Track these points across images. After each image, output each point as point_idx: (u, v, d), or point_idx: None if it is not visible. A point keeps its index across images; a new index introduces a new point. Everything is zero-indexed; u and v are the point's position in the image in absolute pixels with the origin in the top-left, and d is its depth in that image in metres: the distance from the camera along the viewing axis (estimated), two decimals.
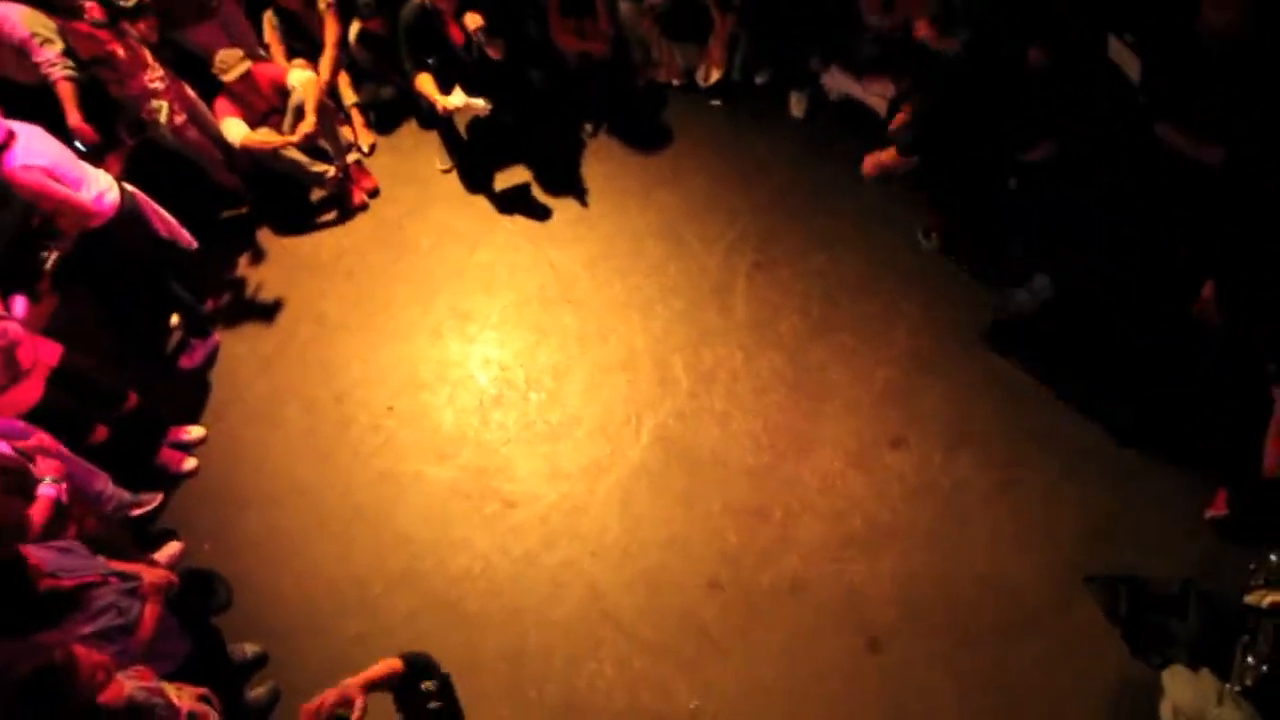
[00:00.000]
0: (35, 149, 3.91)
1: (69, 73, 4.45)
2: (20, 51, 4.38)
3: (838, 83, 5.46)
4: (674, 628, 4.01)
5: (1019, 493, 4.12)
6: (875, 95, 5.35)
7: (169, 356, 5.01)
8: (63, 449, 3.92)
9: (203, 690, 3.24)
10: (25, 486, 3.46)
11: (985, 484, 4.17)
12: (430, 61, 5.07)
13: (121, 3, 4.43)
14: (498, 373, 4.83)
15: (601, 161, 5.63)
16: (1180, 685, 3.16)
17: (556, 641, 4.03)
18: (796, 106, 5.63)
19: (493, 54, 4.96)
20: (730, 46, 5.66)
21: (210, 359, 5.03)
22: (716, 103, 5.76)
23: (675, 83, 5.83)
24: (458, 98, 4.97)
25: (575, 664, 3.96)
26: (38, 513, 3.37)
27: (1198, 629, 3.33)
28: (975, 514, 4.09)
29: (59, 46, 4.42)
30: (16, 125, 3.92)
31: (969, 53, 4.04)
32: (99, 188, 4.17)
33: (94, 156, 4.50)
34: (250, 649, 4.05)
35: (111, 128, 4.78)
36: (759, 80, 5.78)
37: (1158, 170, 4.30)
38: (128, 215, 4.28)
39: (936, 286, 4.78)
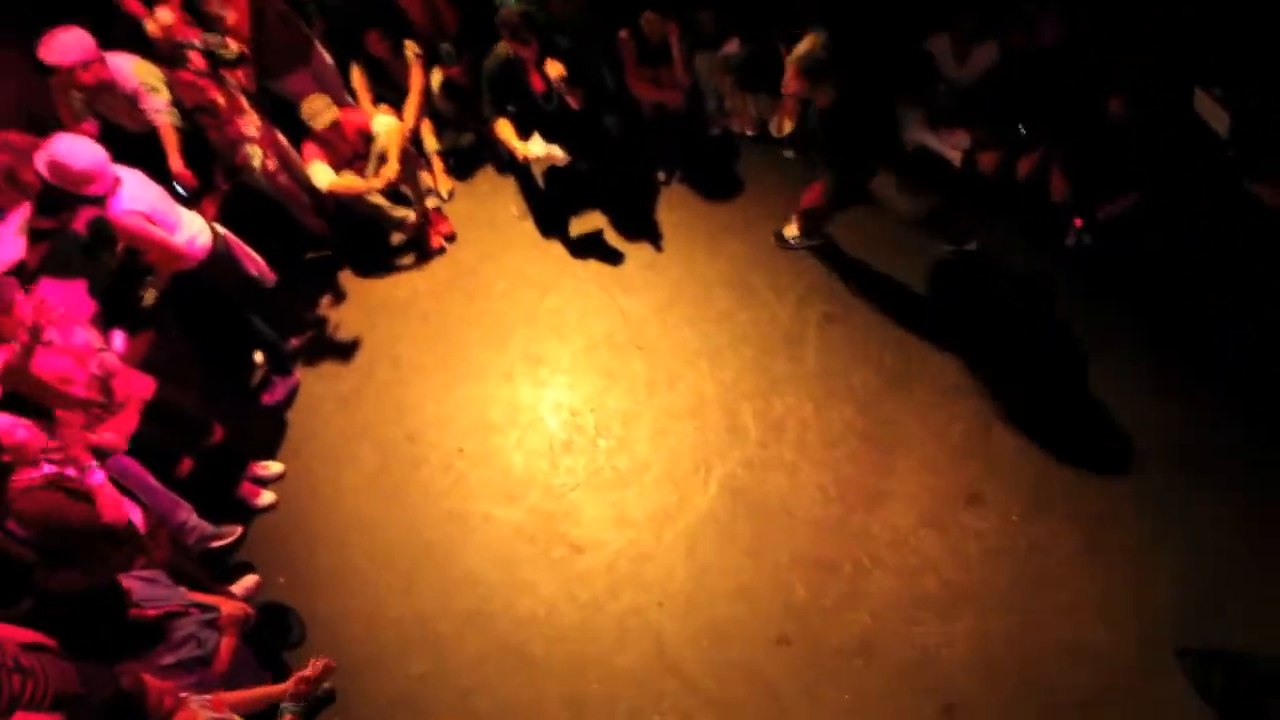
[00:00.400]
0: (138, 195, 4.08)
1: (173, 120, 4.68)
2: (131, 100, 4.62)
3: (913, 134, 5.46)
4: (739, 682, 3.95)
5: (1104, 556, 4.00)
6: (951, 146, 5.34)
7: (252, 392, 5.16)
8: (150, 479, 4.07)
9: None
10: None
11: (1068, 545, 4.05)
12: (510, 109, 5.20)
13: (222, 53, 4.63)
14: (567, 417, 4.86)
15: (673, 209, 5.68)
16: None
17: (620, 691, 4.00)
18: None
19: (572, 103, 5.07)
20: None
21: (291, 396, 5.16)
22: (789, 153, 5.78)
23: (748, 132, 5.88)
24: (537, 146, 5.08)
25: (638, 716, 3.93)
26: (106, 508, 3.50)
27: None
28: (1057, 577, 3.97)
29: (165, 96, 4.64)
30: (122, 170, 4.11)
31: (842, 99, 4.35)
32: (191, 232, 4.33)
33: (191, 199, 4.69)
34: (320, 686, 4.09)
35: (209, 171, 4.99)
36: None
37: (1247, 225, 4.19)
38: (217, 258, 4.44)
39: (1013, 339, 4.72)
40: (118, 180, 4.00)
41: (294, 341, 5.35)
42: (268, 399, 5.12)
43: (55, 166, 3.86)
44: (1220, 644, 3.66)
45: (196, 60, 4.60)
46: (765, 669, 3.95)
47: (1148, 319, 4.68)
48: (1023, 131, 5.00)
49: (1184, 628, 3.77)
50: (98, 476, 3.64)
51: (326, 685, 4.08)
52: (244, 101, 4.85)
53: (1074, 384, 4.53)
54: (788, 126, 5.78)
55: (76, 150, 3.88)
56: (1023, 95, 4.94)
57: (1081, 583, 3.94)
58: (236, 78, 4.87)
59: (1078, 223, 4.89)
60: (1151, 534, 4.02)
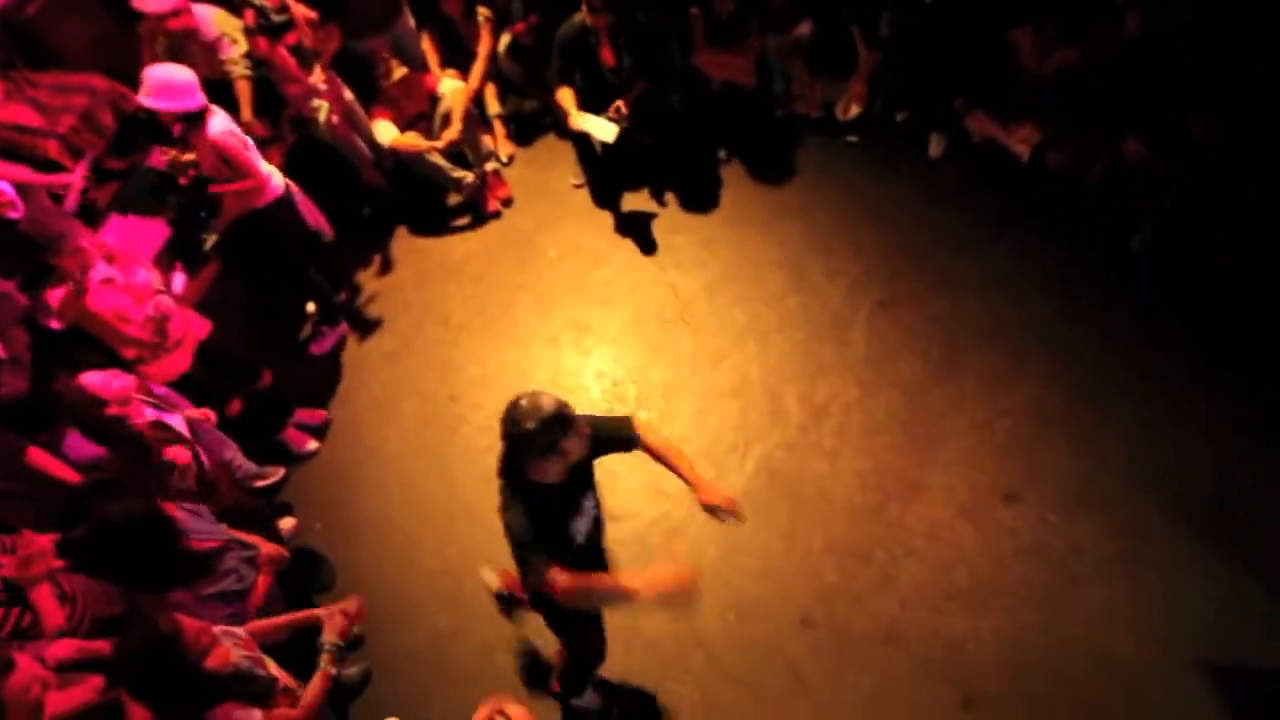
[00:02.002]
0: (229, 125, 4.27)
1: (246, 72, 4.80)
2: (210, 49, 4.74)
3: (982, 126, 5.34)
4: (762, 661, 3.94)
5: (1140, 567, 3.89)
6: (1019, 141, 5.22)
7: (302, 342, 5.26)
8: (208, 414, 4.19)
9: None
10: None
11: (1104, 552, 3.95)
12: (576, 79, 5.21)
13: (272, 17, 4.71)
14: (609, 386, 4.88)
15: (732, 187, 5.64)
16: None
17: (643, 660, 4.00)
18: (935, 147, 5.53)
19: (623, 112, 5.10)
20: (873, 83, 5.61)
21: (339, 347, 5.26)
22: (853, 138, 5.70)
23: (814, 115, 5.81)
24: (592, 123, 5.05)
25: (659, 685, 3.94)
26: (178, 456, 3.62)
27: None
28: (1091, 582, 3.88)
29: (242, 47, 4.77)
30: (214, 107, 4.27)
31: None
32: (269, 170, 4.47)
33: (258, 149, 4.80)
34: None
35: (277, 120, 5.09)
36: (899, 118, 5.70)
37: None
38: (285, 203, 4.56)
39: (1066, 342, 4.59)
40: (208, 107, 4.16)
41: (344, 295, 5.44)
42: (316, 349, 5.23)
43: (160, 86, 4.04)
44: (1254, 664, 3.56)
45: (248, 16, 4.69)
46: (790, 650, 3.93)
47: (1211, 337, 4.52)
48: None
49: (1216, 646, 3.64)
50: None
51: (354, 630, 4.19)
52: (294, 65, 4.89)
53: (1127, 392, 4.40)
54: (854, 111, 5.73)
55: (173, 70, 4.10)
56: (1101, 95, 4.80)
57: (1115, 591, 3.84)
58: (309, 38, 4.92)
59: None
60: (1190, 550, 3.88)
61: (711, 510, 3.00)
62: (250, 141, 4.37)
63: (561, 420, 2.58)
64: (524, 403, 2.58)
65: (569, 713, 3.89)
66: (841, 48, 5.61)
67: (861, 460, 4.39)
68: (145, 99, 4.10)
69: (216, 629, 2.98)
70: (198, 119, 4.14)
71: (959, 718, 3.66)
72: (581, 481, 2.91)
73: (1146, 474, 4.13)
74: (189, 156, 4.24)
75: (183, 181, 4.30)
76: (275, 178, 4.50)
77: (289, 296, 5.21)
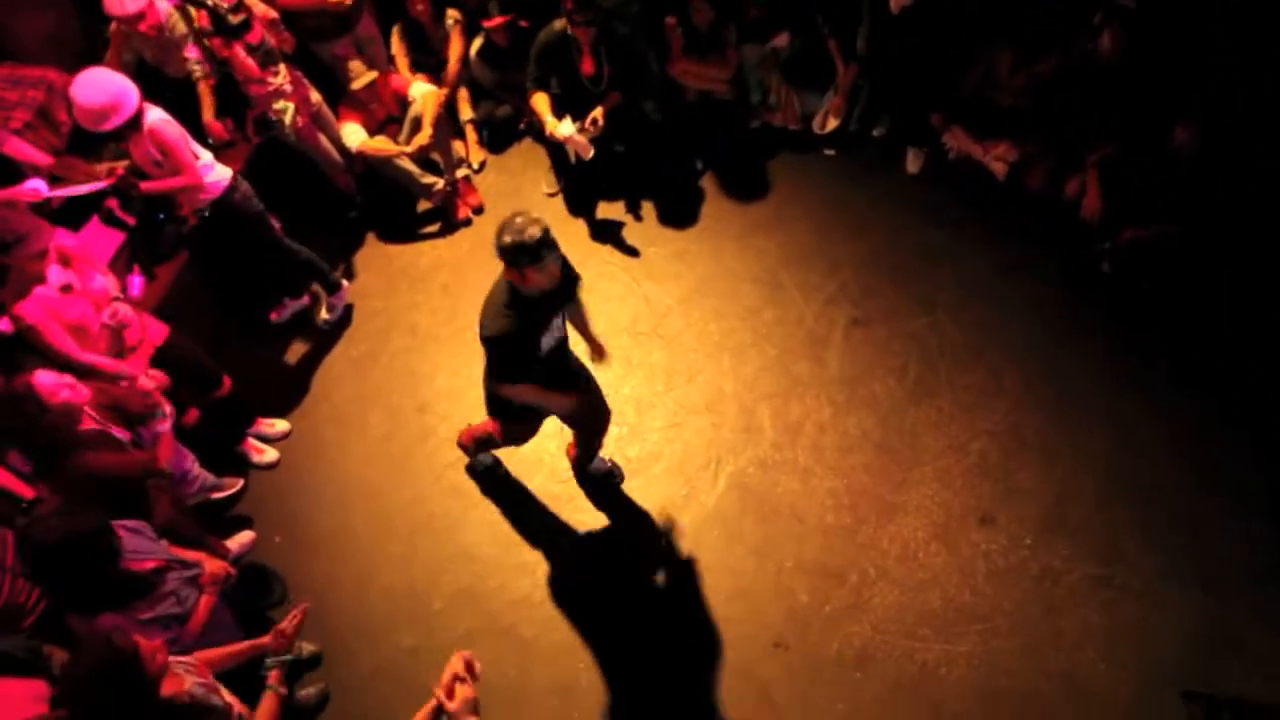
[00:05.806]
0: (165, 116, 4.16)
1: (206, 73, 4.65)
2: (174, 47, 4.61)
3: (959, 142, 5.33)
4: (732, 683, 3.86)
5: (1113, 590, 3.87)
6: (996, 159, 5.20)
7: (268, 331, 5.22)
8: None
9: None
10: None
11: (1077, 575, 3.93)
12: (552, 86, 5.12)
13: (228, 18, 4.56)
14: None
15: (707, 199, 5.57)
16: None
17: (610, 687, 3.92)
18: (913, 163, 5.51)
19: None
20: (851, 97, 5.58)
21: (295, 316, 5.27)
22: (830, 152, 5.66)
23: (792, 128, 5.76)
24: (567, 127, 4.98)
25: (627, 705, 3.85)
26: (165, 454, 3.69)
27: None
28: (1064, 606, 3.85)
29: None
30: (151, 107, 4.12)
31: None
32: (208, 161, 4.39)
33: (220, 151, 4.67)
34: (308, 648, 4.05)
35: (243, 121, 4.94)
36: (876, 133, 5.68)
37: None
38: (235, 190, 4.48)
39: (1043, 362, 4.58)
40: (142, 109, 4.02)
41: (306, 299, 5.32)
42: (275, 316, 5.20)
43: (98, 110, 3.91)
44: (1224, 686, 3.55)
45: (201, 18, 4.54)
46: (760, 672, 3.87)
47: (1180, 361, 4.53)
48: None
49: (1188, 668, 3.64)
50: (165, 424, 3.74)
51: (313, 647, 4.06)
52: (254, 67, 4.74)
53: (1099, 413, 4.39)
54: (831, 124, 5.69)
55: (100, 83, 3.93)
56: (1080, 111, 4.79)
57: (1088, 616, 3.82)
58: (258, 40, 4.77)
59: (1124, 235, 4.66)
60: (1162, 571, 3.88)
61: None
62: (188, 138, 4.25)
63: (549, 240, 3.11)
64: (519, 219, 3.07)
65: None
66: (820, 60, 5.57)
67: (835, 480, 4.33)
68: (93, 127, 3.98)
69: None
70: (138, 121, 4.02)
71: None
72: (555, 303, 3.42)
73: (1117, 496, 4.11)
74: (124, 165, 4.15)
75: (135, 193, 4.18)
76: (218, 169, 4.39)
77: (263, 279, 5.14)
